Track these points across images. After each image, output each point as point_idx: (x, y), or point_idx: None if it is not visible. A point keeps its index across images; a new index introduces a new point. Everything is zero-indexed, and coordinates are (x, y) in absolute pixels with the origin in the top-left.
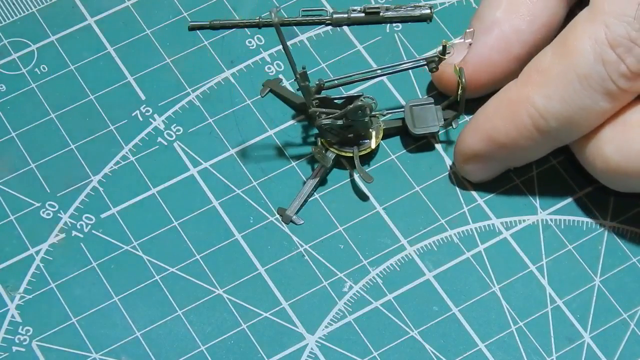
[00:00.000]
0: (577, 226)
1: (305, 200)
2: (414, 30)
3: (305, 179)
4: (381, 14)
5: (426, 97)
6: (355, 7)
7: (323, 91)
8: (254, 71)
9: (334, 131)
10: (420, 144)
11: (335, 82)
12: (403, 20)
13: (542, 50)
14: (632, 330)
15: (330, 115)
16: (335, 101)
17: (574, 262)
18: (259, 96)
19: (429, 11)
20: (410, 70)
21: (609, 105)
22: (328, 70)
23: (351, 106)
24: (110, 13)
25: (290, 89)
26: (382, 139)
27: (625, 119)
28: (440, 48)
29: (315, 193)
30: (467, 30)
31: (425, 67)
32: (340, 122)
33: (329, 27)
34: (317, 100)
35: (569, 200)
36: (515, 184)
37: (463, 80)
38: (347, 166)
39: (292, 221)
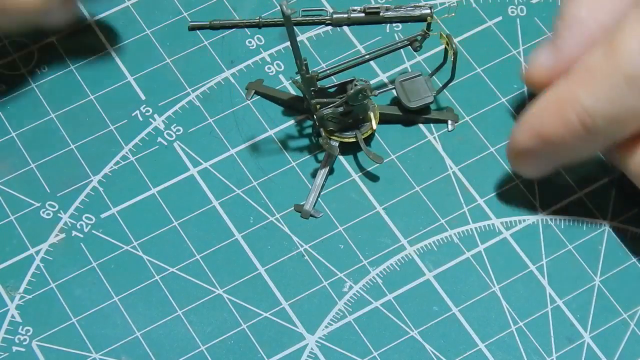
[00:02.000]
0: (577, 226)
1: (320, 192)
2: (414, 30)
3: (305, 179)
4: (381, 14)
5: (413, 71)
6: (355, 7)
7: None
8: (254, 71)
9: (335, 119)
10: (420, 144)
11: (328, 71)
12: (403, 20)
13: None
14: (632, 330)
15: (332, 104)
16: (329, 90)
17: (574, 262)
18: (257, 97)
19: (429, 11)
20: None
21: None
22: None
23: (352, 91)
24: (110, 13)
25: (289, 88)
26: (381, 128)
27: None
28: (425, 25)
29: None
30: (451, 4)
31: (409, 46)
32: (341, 109)
33: (329, 27)
34: (313, 92)
35: (569, 200)
36: (515, 184)
37: (453, 45)
38: (343, 157)
39: (312, 215)
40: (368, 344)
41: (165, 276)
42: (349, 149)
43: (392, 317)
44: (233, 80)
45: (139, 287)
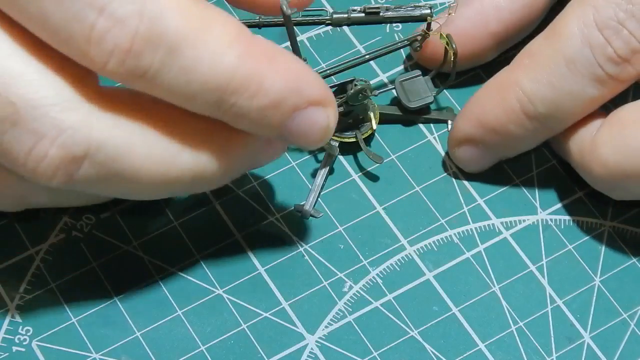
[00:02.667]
0: (577, 226)
1: (320, 192)
2: (414, 31)
3: (305, 179)
4: (381, 14)
5: (413, 70)
6: (355, 7)
7: None
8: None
9: None
10: (420, 144)
11: (328, 71)
12: (403, 20)
13: (535, 37)
14: (632, 330)
15: None
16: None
17: (574, 262)
18: None
19: (429, 11)
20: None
21: (597, 92)
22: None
23: (352, 91)
24: None
25: None
26: (381, 128)
27: (621, 118)
28: (425, 25)
29: None
30: (451, 4)
31: (409, 46)
32: (341, 109)
33: (329, 27)
34: None
35: (569, 200)
36: (515, 184)
37: (453, 45)
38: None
39: (312, 215)
40: (368, 344)
41: (165, 276)
42: (349, 149)
43: (392, 317)
44: None
45: (139, 287)
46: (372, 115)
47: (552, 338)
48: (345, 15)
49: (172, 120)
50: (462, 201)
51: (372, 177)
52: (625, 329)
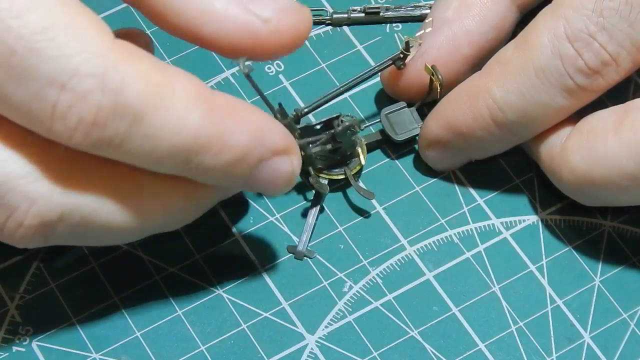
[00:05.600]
0: (577, 226)
1: (312, 232)
2: (414, 30)
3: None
4: (381, 14)
5: (398, 102)
6: (355, 7)
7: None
8: (254, 71)
9: (323, 157)
10: None
11: (311, 107)
12: (403, 20)
13: (505, 45)
14: (632, 330)
15: (319, 142)
16: (315, 127)
17: (574, 262)
18: (258, 97)
19: (429, 11)
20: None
21: (566, 102)
22: (328, 70)
23: (340, 128)
24: (110, 13)
25: (289, 88)
26: (368, 152)
27: (592, 126)
28: (404, 44)
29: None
30: (417, 35)
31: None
32: (329, 146)
33: (329, 27)
34: (299, 131)
35: (569, 200)
36: (515, 184)
37: (439, 76)
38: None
39: (306, 256)
40: (368, 344)
41: (165, 276)
42: (339, 186)
43: (392, 317)
44: (233, 80)
45: (139, 287)
46: (359, 150)
47: (552, 338)
48: (345, 15)
49: (139, 174)
50: (462, 201)
51: (372, 177)
52: (625, 329)
